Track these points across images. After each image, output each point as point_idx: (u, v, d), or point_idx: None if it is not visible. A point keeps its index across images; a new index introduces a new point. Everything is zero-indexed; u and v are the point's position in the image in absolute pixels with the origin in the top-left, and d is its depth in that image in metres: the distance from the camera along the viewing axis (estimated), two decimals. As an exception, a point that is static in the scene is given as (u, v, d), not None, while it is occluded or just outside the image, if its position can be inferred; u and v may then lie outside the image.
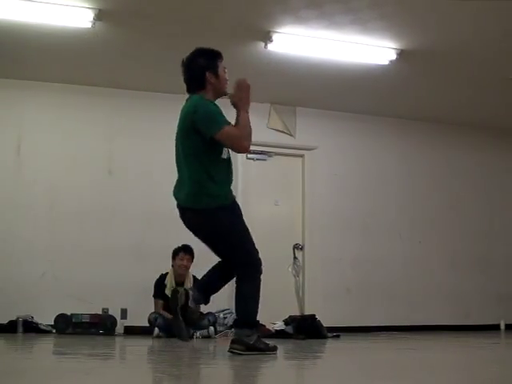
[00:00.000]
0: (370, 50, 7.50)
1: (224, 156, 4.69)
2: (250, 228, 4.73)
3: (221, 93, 4.82)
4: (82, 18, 6.71)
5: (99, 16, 6.65)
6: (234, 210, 4.74)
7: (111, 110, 8.68)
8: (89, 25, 6.79)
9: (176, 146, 4.80)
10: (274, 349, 4.78)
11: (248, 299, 4.71)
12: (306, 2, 6.42)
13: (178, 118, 4.78)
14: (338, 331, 8.00)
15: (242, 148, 4.70)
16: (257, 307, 4.74)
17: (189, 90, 4.83)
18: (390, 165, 9.85)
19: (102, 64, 7.98)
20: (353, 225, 9.46)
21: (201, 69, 4.73)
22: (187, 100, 4.82)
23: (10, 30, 7.00)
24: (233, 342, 4.67)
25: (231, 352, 4.57)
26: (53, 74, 8.27)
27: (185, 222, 4.76)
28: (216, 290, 4.91)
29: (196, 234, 4.83)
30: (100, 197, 8.52)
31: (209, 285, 4.91)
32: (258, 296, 4.72)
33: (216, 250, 4.84)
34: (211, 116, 4.58)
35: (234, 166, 4.85)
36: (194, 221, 4.69)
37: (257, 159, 9.19)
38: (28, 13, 6.60)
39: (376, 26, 6.95)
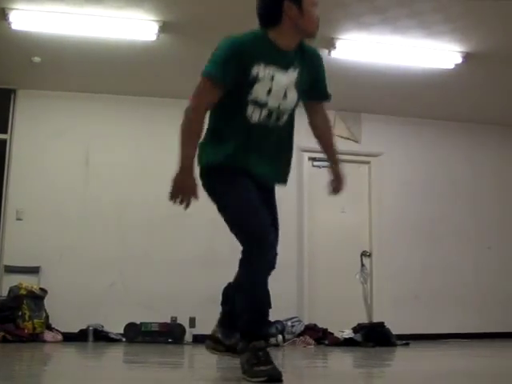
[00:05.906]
0: (436, 53, 7.42)
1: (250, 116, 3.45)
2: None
3: (306, 33, 3.55)
4: (146, 31, 6.83)
5: (163, 28, 6.76)
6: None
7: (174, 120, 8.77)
8: (154, 37, 6.91)
9: None
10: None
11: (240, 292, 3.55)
12: (370, 7, 6.38)
13: None
14: (407, 339, 7.91)
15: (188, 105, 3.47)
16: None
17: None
18: (457, 169, 9.69)
19: (165, 75, 8.07)
20: (421, 231, 9.33)
21: None
22: None
23: (78, 46, 7.14)
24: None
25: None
26: (119, 87, 8.40)
27: None
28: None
29: None
30: (165, 207, 8.58)
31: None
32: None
33: None
34: (212, 55, 3.40)
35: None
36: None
37: (323, 167, 9.15)
38: (95, 28, 6.76)
39: (441, 30, 6.87)
